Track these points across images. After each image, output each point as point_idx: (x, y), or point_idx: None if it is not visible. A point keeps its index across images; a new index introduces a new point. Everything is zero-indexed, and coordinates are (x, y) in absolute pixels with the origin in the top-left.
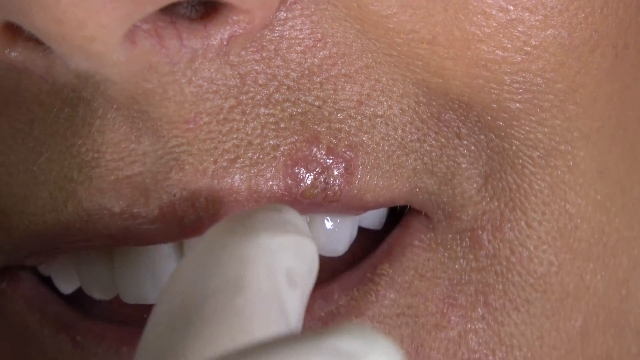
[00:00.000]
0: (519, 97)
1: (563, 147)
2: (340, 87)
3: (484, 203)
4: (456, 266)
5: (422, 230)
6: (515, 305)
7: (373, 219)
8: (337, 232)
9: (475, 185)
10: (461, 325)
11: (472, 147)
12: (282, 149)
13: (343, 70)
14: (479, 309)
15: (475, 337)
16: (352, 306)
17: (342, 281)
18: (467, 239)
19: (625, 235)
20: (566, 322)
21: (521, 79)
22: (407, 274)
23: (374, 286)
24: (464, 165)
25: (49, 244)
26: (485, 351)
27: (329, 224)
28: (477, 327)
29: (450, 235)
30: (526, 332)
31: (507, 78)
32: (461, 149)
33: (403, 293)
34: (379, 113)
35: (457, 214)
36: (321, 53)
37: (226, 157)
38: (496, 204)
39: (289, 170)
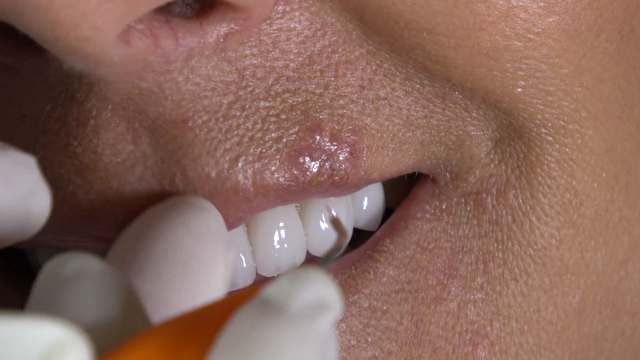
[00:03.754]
0: (523, 83)
1: (572, 126)
2: (341, 73)
3: (492, 166)
4: (459, 232)
5: (427, 200)
6: (513, 275)
7: (369, 220)
8: (333, 233)
9: (485, 148)
10: (460, 297)
11: (482, 118)
12: (284, 140)
13: (344, 57)
14: (479, 278)
15: (474, 307)
16: (348, 284)
17: (342, 260)
18: (471, 203)
19: (627, 215)
20: (564, 297)
21: (524, 66)
22: (408, 249)
23: (373, 263)
24: (473, 133)
25: (41, 238)
26: (483, 322)
27: (323, 225)
28: (476, 297)
29: (455, 199)
30: (523, 304)
31: (509, 65)
32: (469, 119)
33: (403, 269)
34: (382, 95)
35: (465, 176)
36: (320, 42)
37: (228, 158)
38: (503, 167)
39: (294, 161)
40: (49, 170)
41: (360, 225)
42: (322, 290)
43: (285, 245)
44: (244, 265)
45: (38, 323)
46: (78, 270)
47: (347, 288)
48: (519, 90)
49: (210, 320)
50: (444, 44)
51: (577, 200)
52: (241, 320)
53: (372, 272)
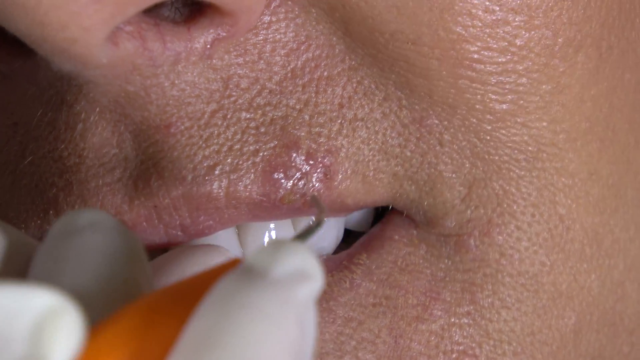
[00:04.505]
0: (504, 97)
1: (549, 150)
2: (322, 89)
3: (468, 212)
4: (440, 265)
5: (404, 226)
6: (505, 303)
7: (359, 221)
8: (322, 231)
9: (457, 194)
10: (444, 319)
11: (455, 155)
12: (261, 154)
13: (326, 73)
14: (465, 306)
15: (460, 330)
16: (324, 291)
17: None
18: (452, 243)
19: (620, 237)
20: (559, 320)
21: (506, 79)
22: (385, 266)
23: (350, 274)
24: (445, 174)
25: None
26: (471, 344)
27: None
28: (462, 322)
29: (434, 237)
30: (516, 328)
31: (492, 78)
32: (443, 156)
33: (381, 284)
34: (360, 116)
35: (440, 221)
36: (304, 55)
37: (205, 164)
38: (482, 211)
39: (268, 176)
40: (36, 176)
41: (351, 225)
42: (304, 260)
43: None
44: None
45: (32, 290)
46: (92, 221)
47: (322, 294)
48: (500, 106)
49: (192, 291)
50: (428, 54)
51: (564, 226)
52: (223, 286)
53: (348, 282)
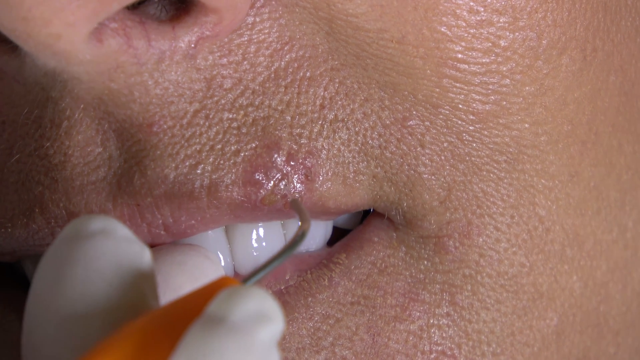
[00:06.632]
0: (487, 98)
1: (530, 151)
2: (304, 90)
3: (448, 214)
4: (420, 266)
5: (383, 229)
6: (484, 304)
7: (348, 218)
8: (313, 232)
9: (436, 196)
10: (423, 320)
11: (435, 157)
12: (242, 154)
13: (308, 73)
14: (444, 307)
15: (439, 331)
16: (302, 287)
17: (297, 263)
18: (431, 244)
19: (602, 239)
20: (540, 321)
21: (489, 80)
22: (364, 267)
23: (328, 272)
24: (425, 176)
25: (18, 246)
26: (449, 344)
27: None
28: (440, 322)
29: (413, 238)
30: (495, 329)
31: (475, 79)
32: (423, 158)
33: (359, 284)
34: (340, 117)
35: (419, 222)
36: (287, 56)
37: (187, 163)
38: (462, 213)
39: (249, 177)
40: (22, 174)
41: (340, 224)
42: (262, 303)
43: (264, 244)
44: (222, 264)
45: None
46: (103, 228)
47: (300, 291)
48: (483, 107)
49: (186, 312)
50: (413, 53)
51: (543, 227)
52: (189, 338)
53: (326, 280)
